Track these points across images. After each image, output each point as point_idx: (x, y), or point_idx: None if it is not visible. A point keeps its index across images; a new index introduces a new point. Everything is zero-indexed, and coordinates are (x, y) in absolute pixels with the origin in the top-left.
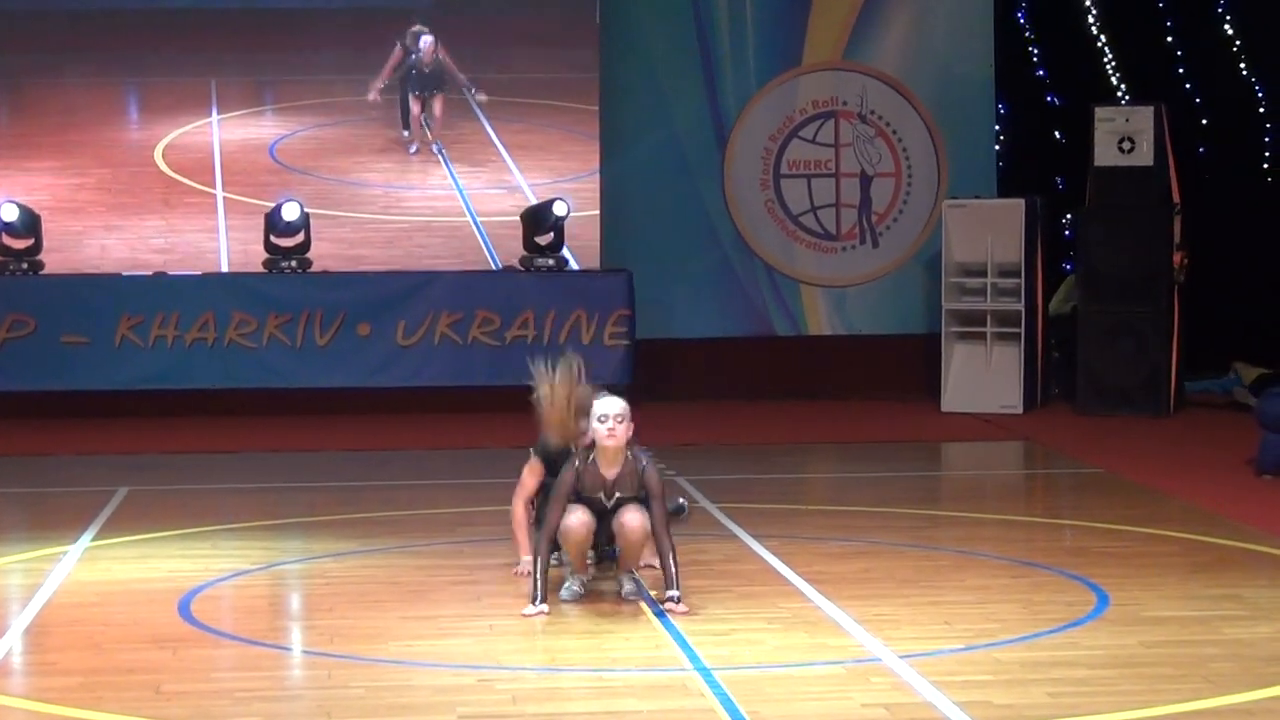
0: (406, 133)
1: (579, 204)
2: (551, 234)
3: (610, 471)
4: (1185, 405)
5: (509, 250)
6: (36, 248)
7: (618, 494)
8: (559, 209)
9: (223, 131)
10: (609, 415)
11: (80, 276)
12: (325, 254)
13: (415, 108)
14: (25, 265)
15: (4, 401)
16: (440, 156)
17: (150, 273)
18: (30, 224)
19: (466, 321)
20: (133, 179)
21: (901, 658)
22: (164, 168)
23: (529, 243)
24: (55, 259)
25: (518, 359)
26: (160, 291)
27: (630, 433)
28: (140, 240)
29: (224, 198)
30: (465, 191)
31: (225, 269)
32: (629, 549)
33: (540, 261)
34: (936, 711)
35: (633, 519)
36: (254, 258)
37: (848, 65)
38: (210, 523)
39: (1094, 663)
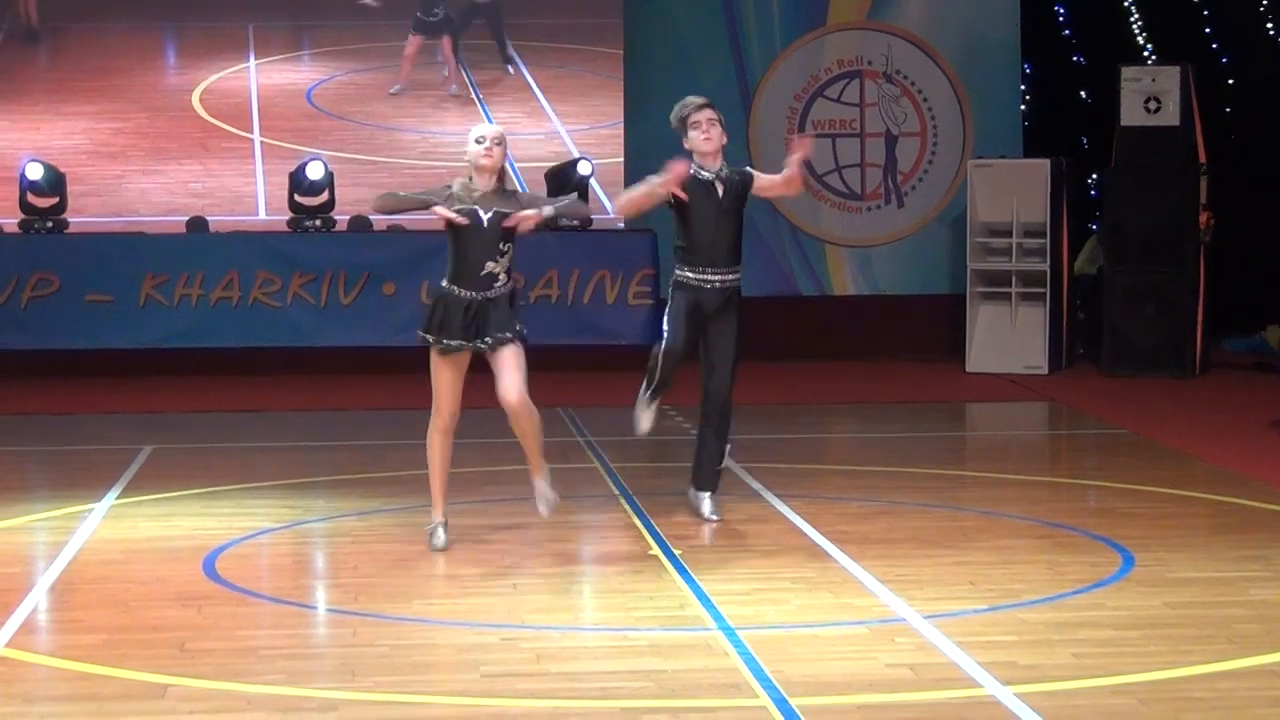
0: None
1: (614, 149)
2: (575, 193)
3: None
4: (1211, 366)
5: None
6: (61, 206)
7: (494, 208)
8: (583, 168)
9: (260, 76)
10: (485, 137)
11: (105, 235)
12: (361, 199)
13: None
14: (50, 223)
15: (28, 360)
16: (477, 101)
17: (186, 217)
18: (55, 182)
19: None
20: (171, 124)
21: (926, 618)
22: (201, 113)
23: None
24: (94, 203)
25: (542, 318)
26: (185, 250)
27: (504, 158)
28: (178, 185)
29: (261, 143)
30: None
31: (262, 214)
32: (524, 438)
33: (564, 221)
34: (961, 672)
35: (509, 389)
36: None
37: (873, 25)
38: (235, 481)
39: (1119, 624)
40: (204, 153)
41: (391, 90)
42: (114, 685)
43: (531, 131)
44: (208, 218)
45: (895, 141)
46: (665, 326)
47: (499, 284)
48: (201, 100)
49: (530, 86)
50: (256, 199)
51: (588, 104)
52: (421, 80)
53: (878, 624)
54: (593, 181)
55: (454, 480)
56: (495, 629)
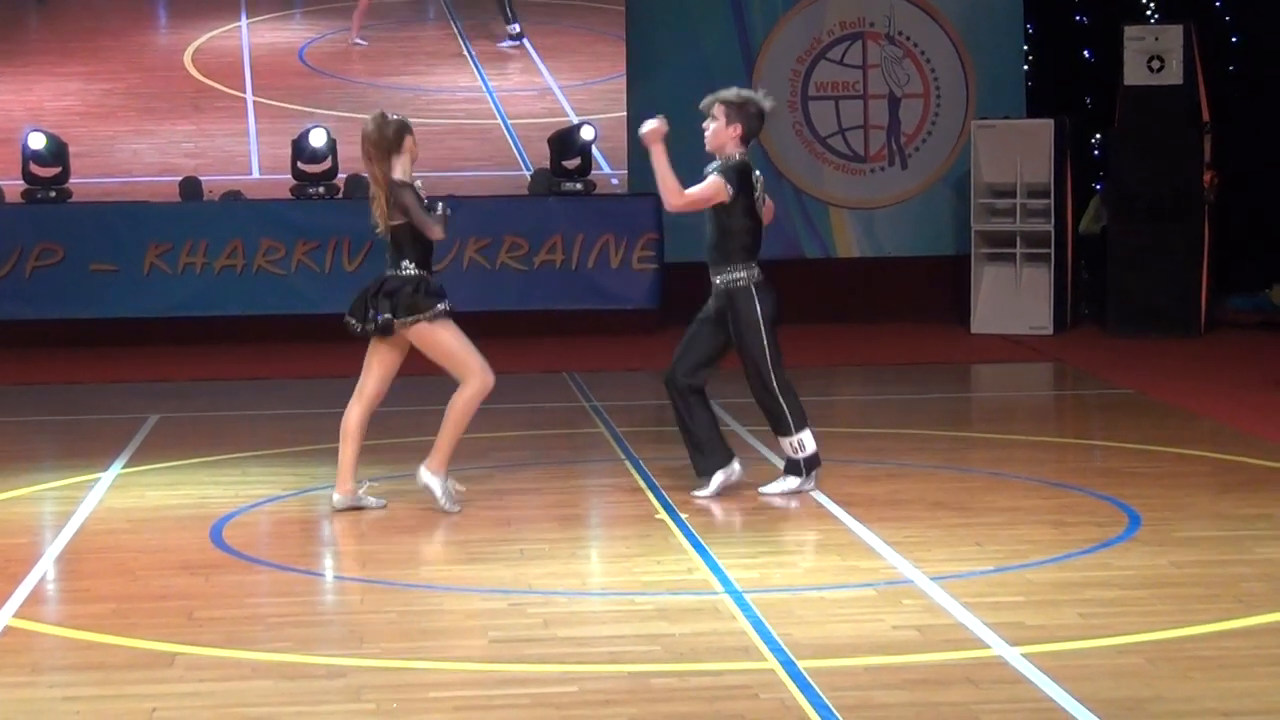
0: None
1: (609, 104)
2: (579, 158)
3: None
4: (1216, 325)
5: (539, 153)
6: (64, 175)
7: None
8: (586, 133)
9: (252, 35)
10: None
11: (108, 204)
12: (356, 157)
13: None
14: (53, 193)
15: (34, 330)
16: (469, 57)
17: (179, 178)
18: (58, 152)
19: (495, 246)
20: (163, 84)
21: (933, 579)
22: (194, 72)
23: (557, 167)
24: (86, 164)
25: (546, 284)
26: (188, 219)
27: None
28: (171, 145)
29: (254, 102)
30: (496, 94)
31: (256, 174)
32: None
33: (568, 185)
34: (968, 633)
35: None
36: (283, 163)
37: None
38: (241, 449)
39: (1125, 583)
40: (196, 113)
41: (355, 43)
42: (122, 654)
43: (525, 88)
44: (201, 178)
45: (898, 103)
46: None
47: None
48: (193, 60)
49: (523, 42)
50: (250, 159)
51: (580, 60)
52: (413, 37)
53: (885, 586)
54: (594, 149)
55: (458, 446)
56: (503, 594)
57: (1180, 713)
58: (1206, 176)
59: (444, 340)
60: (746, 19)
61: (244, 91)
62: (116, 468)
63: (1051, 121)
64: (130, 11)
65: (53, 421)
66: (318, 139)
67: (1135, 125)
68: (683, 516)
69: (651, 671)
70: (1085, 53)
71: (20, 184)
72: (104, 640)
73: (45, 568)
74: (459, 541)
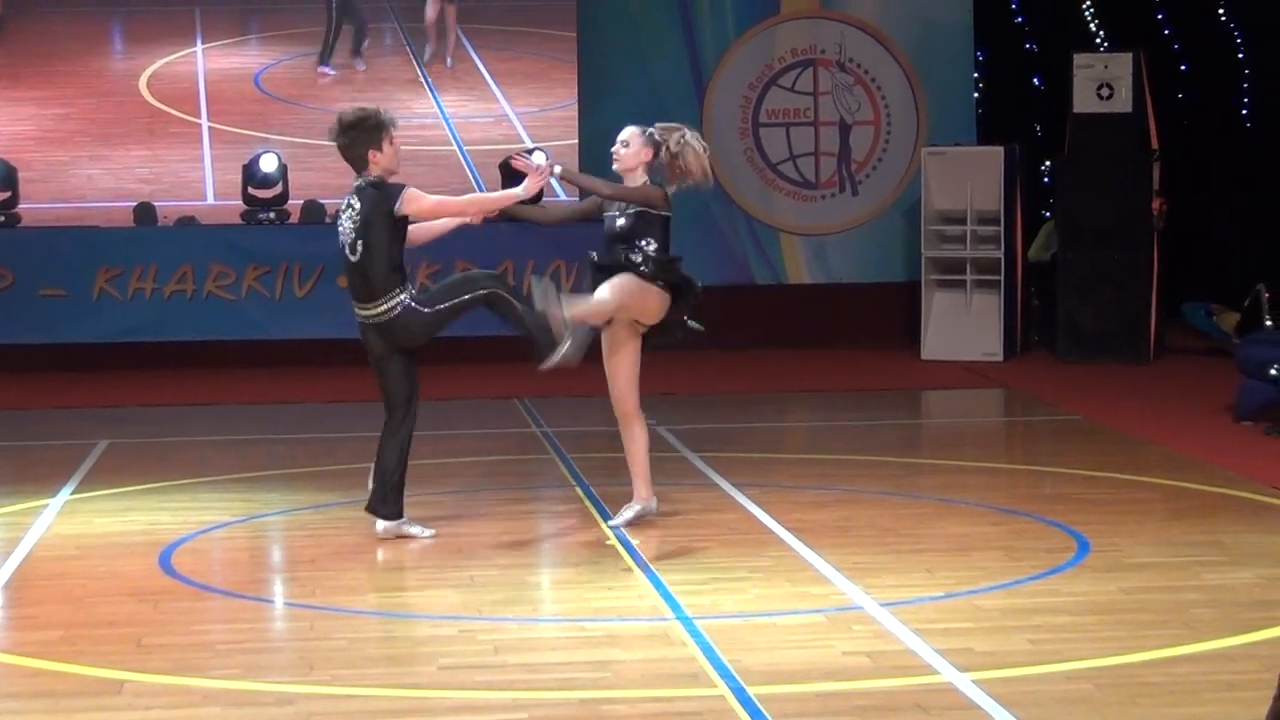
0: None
1: (563, 131)
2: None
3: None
4: (1165, 352)
5: (496, 179)
6: (13, 200)
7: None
8: (537, 159)
9: (207, 61)
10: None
11: (57, 229)
12: (311, 184)
13: (431, 12)
14: (2, 218)
15: None
16: (425, 83)
17: (133, 204)
18: (7, 176)
19: (445, 272)
20: (118, 109)
21: (883, 606)
22: (148, 98)
23: None
24: (40, 189)
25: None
26: (138, 244)
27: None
28: (125, 170)
29: (209, 127)
30: (451, 120)
31: (211, 200)
32: None
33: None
34: (918, 659)
35: None
36: (239, 188)
37: (826, 13)
38: (190, 475)
39: (1075, 609)
40: (151, 138)
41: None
42: (69, 681)
43: (480, 115)
44: (156, 204)
45: (849, 130)
46: None
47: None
48: (149, 85)
49: (478, 69)
50: (205, 185)
51: (536, 87)
52: (370, 63)
53: (835, 612)
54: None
55: (409, 472)
56: (453, 621)
57: None
58: (1155, 204)
59: None
60: (698, 46)
61: (199, 117)
62: (65, 493)
63: (1001, 149)
64: (85, 37)
65: (0, 447)
66: (268, 164)
67: (1085, 153)
68: (633, 543)
69: (602, 698)
70: (1035, 80)
71: None
72: (51, 668)
73: None
74: (409, 568)
